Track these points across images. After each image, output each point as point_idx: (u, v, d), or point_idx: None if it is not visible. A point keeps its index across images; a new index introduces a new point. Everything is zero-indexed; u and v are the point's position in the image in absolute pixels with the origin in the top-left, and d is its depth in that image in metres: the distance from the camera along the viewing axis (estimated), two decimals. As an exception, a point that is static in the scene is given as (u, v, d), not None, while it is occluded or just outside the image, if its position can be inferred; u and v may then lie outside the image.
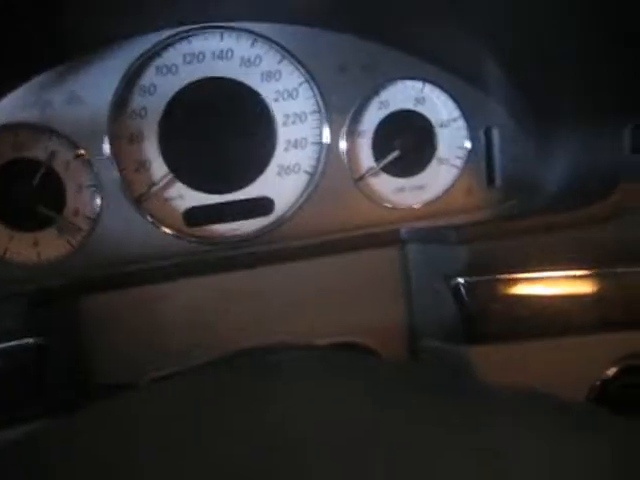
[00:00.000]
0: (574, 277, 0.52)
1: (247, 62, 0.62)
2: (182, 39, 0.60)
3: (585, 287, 0.52)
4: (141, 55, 0.59)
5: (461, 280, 0.51)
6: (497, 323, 0.51)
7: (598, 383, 0.53)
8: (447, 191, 0.65)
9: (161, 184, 0.61)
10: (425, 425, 0.32)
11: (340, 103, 0.63)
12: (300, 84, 0.63)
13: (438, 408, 0.35)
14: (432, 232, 0.56)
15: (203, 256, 0.60)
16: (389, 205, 0.65)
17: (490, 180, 0.66)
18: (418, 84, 0.64)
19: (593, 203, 0.52)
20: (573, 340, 0.52)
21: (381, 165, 0.64)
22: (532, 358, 0.52)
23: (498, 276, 0.51)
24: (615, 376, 0.54)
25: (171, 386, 0.40)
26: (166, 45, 0.60)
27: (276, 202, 0.63)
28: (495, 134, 0.65)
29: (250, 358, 0.43)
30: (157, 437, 0.31)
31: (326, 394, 0.35)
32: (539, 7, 0.51)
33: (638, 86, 0.53)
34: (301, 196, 0.63)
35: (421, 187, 0.66)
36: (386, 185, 0.65)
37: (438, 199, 0.65)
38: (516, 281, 0.51)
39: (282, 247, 0.59)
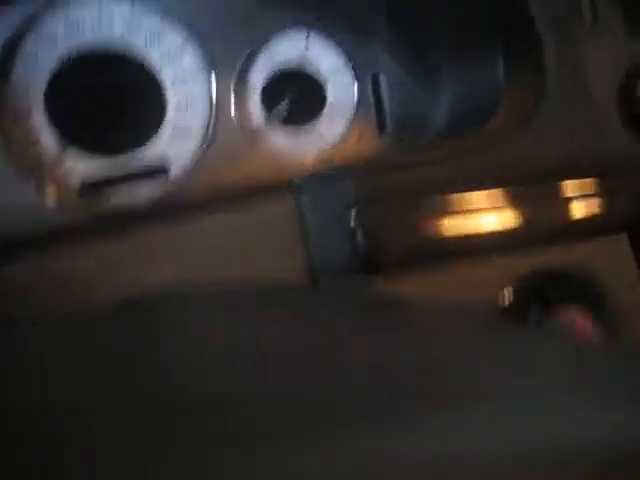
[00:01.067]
0: (467, 200, 0.53)
1: (128, 26, 0.61)
2: (60, 6, 0.59)
3: (480, 209, 0.54)
4: (20, 24, 0.58)
5: (353, 215, 0.52)
6: (393, 252, 0.52)
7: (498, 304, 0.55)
8: (339, 140, 0.66)
9: (52, 155, 0.60)
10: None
11: (226, 59, 0.63)
12: (183, 44, 0.63)
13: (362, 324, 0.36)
14: (322, 176, 0.57)
15: (98, 223, 0.59)
16: (283, 157, 0.65)
17: (381, 126, 0.67)
18: (303, 35, 0.65)
19: (471, 133, 0.54)
20: (471, 263, 0.54)
21: (271, 117, 0.65)
22: (432, 284, 0.53)
23: (390, 208, 0.52)
24: (513, 295, 0.56)
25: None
26: (45, 13, 0.59)
27: (171, 163, 0.63)
28: (382, 80, 0.67)
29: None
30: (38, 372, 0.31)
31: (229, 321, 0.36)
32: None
33: (505, 16, 0.55)
34: (195, 156, 0.63)
35: (313, 137, 0.66)
36: (278, 138, 0.66)
37: (331, 148, 0.66)
38: (409, 208, 0.52)
39: (180, 207, 0.59)
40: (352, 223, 0.51)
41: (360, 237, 0.51)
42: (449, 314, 0.37)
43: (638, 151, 0.57)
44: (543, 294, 0.57)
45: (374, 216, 0.51)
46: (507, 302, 0.56)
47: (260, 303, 0.39)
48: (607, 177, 0.57)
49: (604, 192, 0.56)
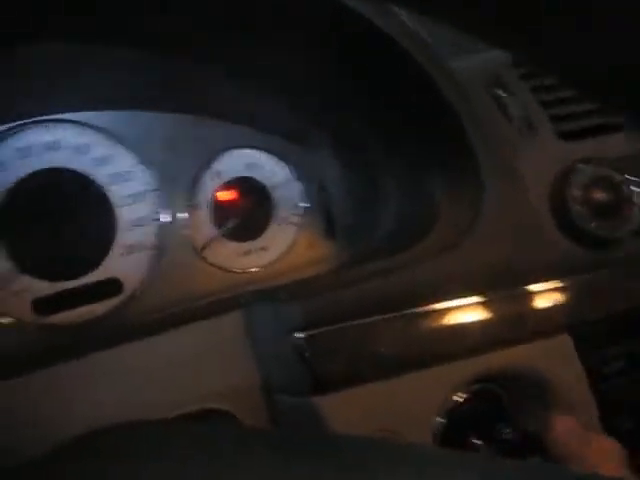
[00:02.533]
0: (405, 316, 0.54)
1: (77, 150, 0.63)
2: (11, 134, 0.61)
3: (419, 324, 0.55)
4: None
5: (299, 335, 0.53)
6: (337, 372, 0.53)
7: (445, 413, 0.56)
8: (289, 249, 0.68)
9: (5, 278, 0.61)
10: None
11: (175, 179, 0.65)
12: (133, 166, 0.64)
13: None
14: (267, 293, 0.58)
15: (54, 343, 0.60)
16: (234, 270, 0.67)
17: (329, 233, 0.69)
18: (248, 151, 0.67)
19: (412, 246, 0.56)
20: (413, 376, 0.54)
21: (221, 233, 0.66)
22: (380, 398, 0.54)
23: (333, 326, 0.53)
24: (459, 404, 0.57)
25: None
26: (-5, 141, 0.61)
27: (124, 282, 0.64)
28: (329, 189, 0.69)
29: (106, 439, 0.43)
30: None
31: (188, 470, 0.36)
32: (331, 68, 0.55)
33: (439, 129, 0.58)
34: (148, 273, 0.65)
35: (264, 248, 0.68)
36: (229, 251, 0.67)
37: (281, 258, 0.68)
38: (351, 328, 0.53)
39: (131, 326, 0.60)
40: (301, 343, 0.52)
41: (309, 356, 0.52)
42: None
43: (574, 252, 0.59)
44: (495, 396, 0.58)
45: (320, 336, 0.52)
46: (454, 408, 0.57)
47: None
48: (548, 279, 0.58)
49: (546, 294, 0.58)
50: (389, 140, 0.63)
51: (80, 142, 0.63)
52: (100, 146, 0.64)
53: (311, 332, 0.53)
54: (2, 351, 0.60)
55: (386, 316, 0.54)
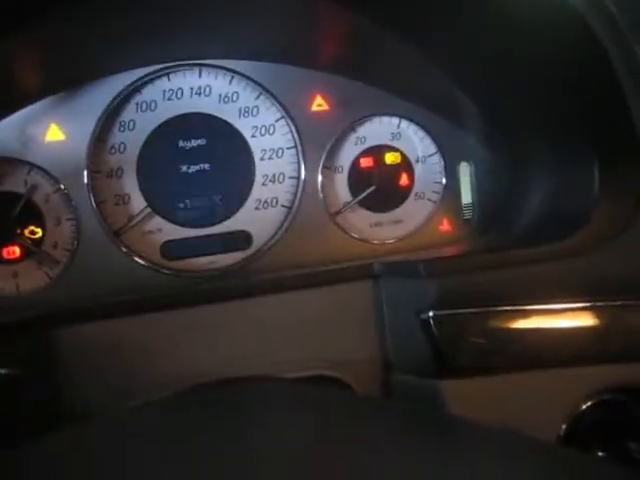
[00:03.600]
0: (546, 311, 0.52)
1: (225, 99, 0.63)
2: (161, 76, 0.62)
3: (558, 321, 0.52)
4: (121, 91, 0.60)
5: (431, 314, 0.51)
6: (467, 357, 0.51)
7: (571, 418, 0.53)
8: (423, 225, 0.66)
9: (139, 218, 0.61)
10: (392, 461, 0.32)
11: (316, 139, 0.64)
12: (277, 120, 0.64)
13: (407, 444, 0.35)
14: (404, 266, 0.56)
15: (180, 289, 0.60)
16: (365, 239, 0.65)
17: (466, 214, 0.67)
18: (394, 120, 0.65)
19: (565, 237, 0.53)
20: (545, 374, 0.52)
21: (357, 200, 0.65)
22: (504, 392, 0.52)
23: (468, 310, 0.51)
24: (588, 411, 0.54)
25: (143, 414, 0.40)
26: (146, 82, 0.61)
27: (254, 236, 0.64)
28: (471, 169, 0.66)
29: (223, 392, 0.43)
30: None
31: (295, 428, 0.36)
32: (507, 43, 0.52)
33: (604, 122, 0.54)
34: (278, 230, 0.64)
35: (397, 222, 0.66)
36: (362, 220, 0.66)
37: (414, 233, 0.66)
38: (486, 315, 0.51)
39: (258, 281, 0.60)
40: (431, 323, 0.51)
41: (437, 337, 0.51)
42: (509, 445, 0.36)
43: None
44: (618, 412, 0.55)
45: (453, 318, 0.51)
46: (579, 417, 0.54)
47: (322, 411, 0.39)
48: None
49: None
50: (546, 123, 0.59)
51: (229, 90, 0.63)
52: (247, 96, 0.63)
53: (443, 312, 0.51)
54: (133, 288, 0.60)
55: (523, 307, 0.51)
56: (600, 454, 0.54)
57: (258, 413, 0.38)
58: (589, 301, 0.52)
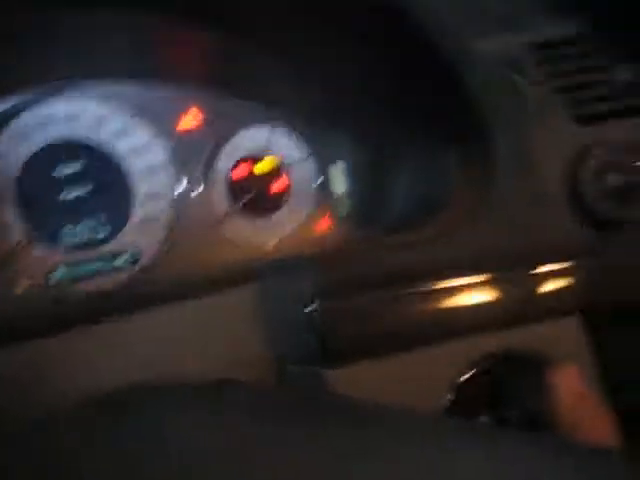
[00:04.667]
0: (421, 292, 0.55)
1: (97, 122, 0.64)
2: (31, 104, 0.62)
3: (434, 300, 0.56)
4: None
5: (314, 306, 0.53)
6: (352, 344, 0.54)
7: (454, 389, 0.57)
8: (302, 226, 0.69)
9: (19, 247, 0.62)
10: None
11: (192, 154, 0.66)
12: (151, 139, 0.65)
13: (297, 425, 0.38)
14: (285, 263, 0.59)
15: (67, 312, 0.60)
16: (250, 245, 0.67)
17: (341, 212, 0.70)
18: (266, 128, 0.68)
19: (429, 222, 0.57)
20: (427, 351, 0.55)
21: (236, 208, 0.67)
22: (391, 373, 0.55)
23: (349, 299, 0.54)
24: (469, 381, 0.57)
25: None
26: (15, 111, 0.62)
27: (139, 254, 0.65)
28: (343, 168, 0.69)
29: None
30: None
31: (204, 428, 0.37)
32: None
33: (450, 111, 0.58)
34: (164, 245, 0.65)
35: (277, 225, 0.69)
36: (243, 227, 0.68)
37: (293, 234, 0.69)
38: (366, 302, 0.54)
39: (146, 296, 0.61)
40: (313, 314, 0.53)
41: (320, 328, 0.53)
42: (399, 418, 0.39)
43: (587, 234, 0.60)
44: (501, 376, 0.59)
45: (334, 307, 0.53)
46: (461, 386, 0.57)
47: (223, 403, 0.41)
48: (560, 260, 0.59)
49: (557, 275, 0.59)
50: (405, 120, 0.64)
51: (101, 113, 0.64)
52: (119, 118, 0.64)
53: (324, 303, 0.54)
54: (16, 317, 0.60)
55: (398, 291, 0.55)
56: (483, 419, 0.57)
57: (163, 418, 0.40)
58: (461, 277, 0.56)
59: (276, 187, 0.69)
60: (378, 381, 0.54)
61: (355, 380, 0.54)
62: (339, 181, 0.70)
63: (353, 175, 0.70)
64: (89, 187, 0.64)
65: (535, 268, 0.58)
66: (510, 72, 0.64)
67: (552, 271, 0.58)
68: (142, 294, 0.63)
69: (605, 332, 0.60)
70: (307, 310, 0.54)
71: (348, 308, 0.54)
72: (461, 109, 0.60)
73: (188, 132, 0.66)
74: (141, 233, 0.65)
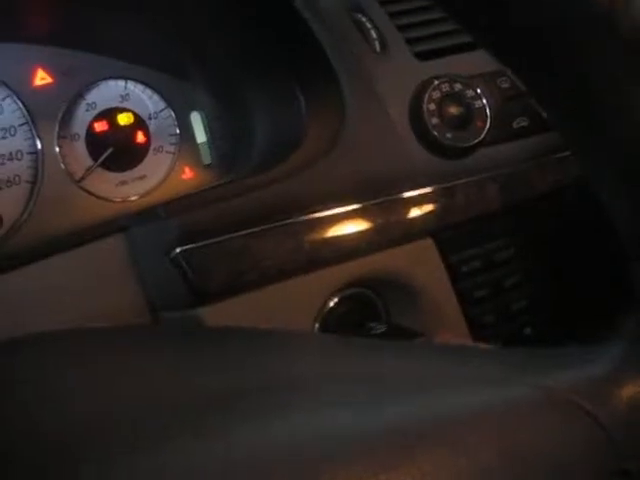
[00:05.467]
0: (279, 227, 0.58)
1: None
2: None
3: (296, 233, 0.59)
4: None
5: (177, 250, 0.55)
6: (218, 282, 0.56)
7: (322, 316, 0.60)
8: (166, 177, 0.70)
9: None
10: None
11: (47, 112, 0.65)
12: (3, 99, 0.64)
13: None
14: (147, 213, 0.60)
15: None
16: (114, 200, 0.68)
17: (205, 160, 0.71)
18: (121, 82, 0.68)
19: (282, 162, 0.59)
20: (293, 281, 0.58)
21: (98, 164, 0.67)
22: (261, 307, 0.58)
23: (211, 240, 0.56)
24: (335, 307, 0.61)
25: None
26: None
27: (3, 215, 0.65)
28: (202, 117, 0.71)
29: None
30: None
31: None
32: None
33: (301, 57, 0.61)
34: (27, 206, 0.65)
35: (141, 177, 0.69)
36: (107, 181, 0.68)
37: (158, 186, 0.70)
38: (228, 241, 0.56)
39: (14, 255, 0.61)
40: (179, 258, 0.55)
41: (188, 270, 0.55)
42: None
43: (433, 162, 0.64)
44: (366, 300, 0.63)
45: (199, 249, 0.55)
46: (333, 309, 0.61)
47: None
48: (411, 188, 0.63)
49: (409, 202, 0.63)
50: (256, 67, 0.66)
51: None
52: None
53: (188, 246, 0.56)
54: None
55: (261, 227, 0.57)
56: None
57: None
58: (321, 211, 0.59)
59: (136, 140, 0.69)
60: (250, 316, 0.57)
61: (227, 317, 0.56)
62: (199, 130, 0.71)
63: (211, 124, 0.71)
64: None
65: (388, 196, 0.62)
66: (354, 14, 0.67)
67: (404, 198, 0.62)
68: (9, 254, 0.63)
69: (457, 252, 0.66)
70: (172, 256, 0.56)
71: (212, 247, 0.56)
72: (307, 54, 0.63)
73: (41, 90, 0.65)
74: (3, 196, 0.65)
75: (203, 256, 0.56)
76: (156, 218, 0.57)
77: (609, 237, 0.29)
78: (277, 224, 0.58)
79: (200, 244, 0.56)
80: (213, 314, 0.57)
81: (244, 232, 0.57)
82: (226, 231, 0.57)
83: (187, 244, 0.56)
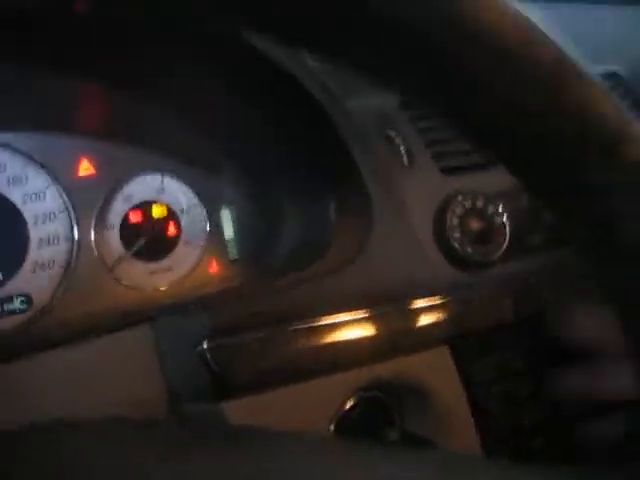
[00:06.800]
0: (310, 328, 0.60)
1: (-6, 171, 0.66)
2: None
3: (313, 336, 0.61)
4: None
5: (205, 345, 0.57)
6: (241, 379, 0.58)
7: (338, 418, 0.62)
8: (193, 269, 0.72)
9: None
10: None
11: (86, 201, 0.68)
12: (47, 187, 0.67)
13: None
14: (174, 307, 0.62)
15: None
16: (142, 288, 0.70)
17: (231, 255, 0.74)
18: (157, 176, 0.72)
19: (308, 266, 0.62)
20: (312, 383, 0.60)
21: (130, 253, 0.70)
22: (279, 404, 0.59)
23: (237, 336, 0.58)
24: (351, 409, 0.62)
25: None
26: None
27: (33, 298, 0.67)
28: (232, 214, 0.74)
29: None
30: None
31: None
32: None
33: (333, 166, 0.64)
34: (57, 290, 0.67)
35: (169, 269, 0.72)
36: (137, 271, 0.71)
37: (185, 277, 0.72)
38: (255, 338, 0.58)
39: (40, 340, 0.63)
40: (206, 353, 0.57)
41: (213, 365, 0.57)
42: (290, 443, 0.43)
43: (454, 274, 0.67)
44: (381, 403, 0.65)
45: (225, 345, 0.57)
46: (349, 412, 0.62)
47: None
48: (430, 297, 0.65)
49: (427, 310, 0.65)
50: (290, 172, 0.69)
51: (-3, 163, 0.66)
52: (14, 165, 0.66)
53: (216, 342, 0.58)
54: None
55: (282, 328, 0.59)
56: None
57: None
58: (343, 314, 0.61)
59: (168, 232, 0.72)
60: (269, 412, 0.58)
61: (244, 413, 0.58)
62: (228, 226, 0.74)
63: (240, 220, 0.74)
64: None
65: (408, 304, 0.64)
66: (384, 127, 0.70)
67: (423, 306, 0.65)
68: (36, 338, 0.64)
69: (472, 361, 0.67)
70: (199, 350, 0.58)
71: (238, 345, 0.58)
72: (340, 165, 0.66)
73: (83, 179, 0.68)
74: (36, 278, 0.67)
75: (228, 352, 0.58)
76: (185, 312, 0.59)
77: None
78: (300, 326, 0.60)
79: (225, 340, 0.58)
80: (234, 409, 0.58)
81: (267, 332, 0.59)
82: (251, 329, 0.58)
83: (214, 339, 0.57)
